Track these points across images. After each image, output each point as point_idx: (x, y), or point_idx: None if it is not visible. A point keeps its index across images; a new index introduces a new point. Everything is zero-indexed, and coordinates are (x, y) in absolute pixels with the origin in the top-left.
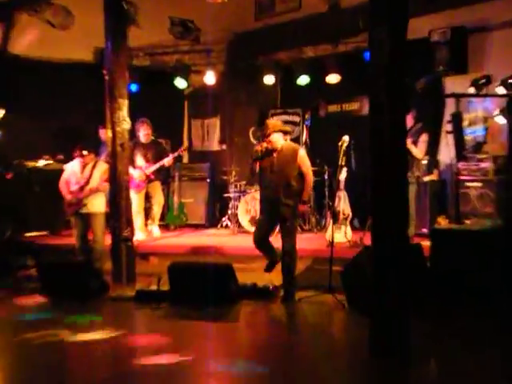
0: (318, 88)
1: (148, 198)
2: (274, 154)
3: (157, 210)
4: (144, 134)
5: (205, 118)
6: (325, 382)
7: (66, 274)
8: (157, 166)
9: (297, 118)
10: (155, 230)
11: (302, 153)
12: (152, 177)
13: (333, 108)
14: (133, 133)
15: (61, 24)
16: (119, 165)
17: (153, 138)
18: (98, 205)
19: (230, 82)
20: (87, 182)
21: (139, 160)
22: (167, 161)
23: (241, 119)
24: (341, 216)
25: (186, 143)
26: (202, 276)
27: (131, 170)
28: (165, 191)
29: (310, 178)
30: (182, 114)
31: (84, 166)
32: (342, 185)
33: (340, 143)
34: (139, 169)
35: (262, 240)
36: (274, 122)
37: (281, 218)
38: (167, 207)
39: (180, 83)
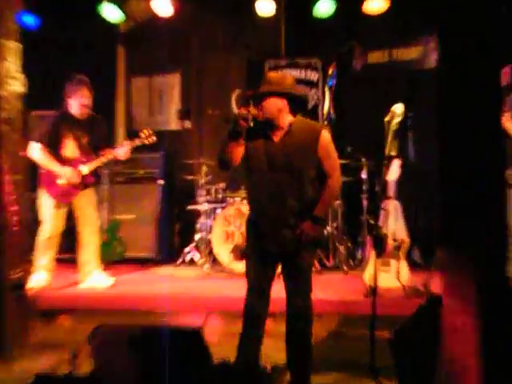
0: (350, 23)
1: (73, 215)
2: (275, 137)
3: (94, 238)
4: (81, 103)
5: (155, 75)
6: None
7: None
8: (102, 160)
9: (313, 75)
10: (98, 277)
11: (327, 137)
12: (91, 180)
13: (375, 57)
14: (50, 99)
15: None
16: (4, 156)
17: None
18: None
19: (200, 12)
20: None
21: (69, 148)
22: (121, 153)
23: (217, 77)
24: (390, 244)
25: (148, 130)
26: (148, 350)
27: (54, 166)
28: None
29: (337, 180)
30: (114, 67)
31: None
32: (391, 190)
33: (388, 118)
34: (69, 164)
35: (256, 300)
36: (281, 74)
37: (286, 252)
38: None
39: (110, 13)
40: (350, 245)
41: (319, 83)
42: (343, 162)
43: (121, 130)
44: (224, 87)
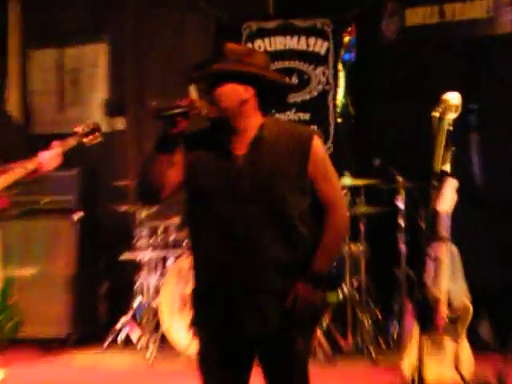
0: None
1: None
2: (237, 148)
3: None
4: None
5: (66, 47)
6: None
7: None
8: (17, 174)
9: (319, 45)
10: None
11: (321, 147)
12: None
13: (418, 16)
14: None
15: None
16: None
17: None
18: None
19: None
20: None
21: None
22: (47, 160)
23: (166, 50)
24: (444, 313)
25: (90, 124)
26: None
27: None
28: None
29: (343, 213)
30: (4, 34)
31: None
32: (444, 228)
33: (438, 112)
34: None
35: None
36: (248, 48)
37: (268, 336)
38: None
39: None
40: (379, 315)
41: (329, 58)
42: (368, 182)
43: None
44: (177, 66)
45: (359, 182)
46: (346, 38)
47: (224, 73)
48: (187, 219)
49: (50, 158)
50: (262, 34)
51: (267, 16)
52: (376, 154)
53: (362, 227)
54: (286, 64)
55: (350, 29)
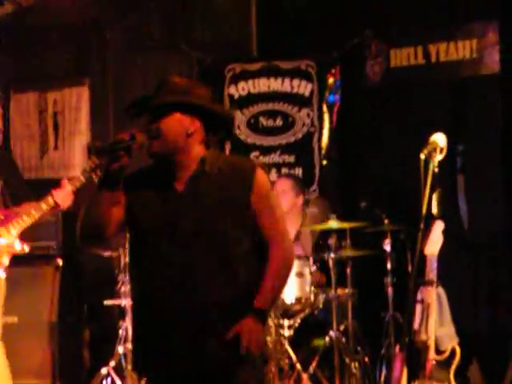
0: (362, 3)
1: None
2: (178, 183)
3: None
4: None
5: (47, 90)
6: None
7: None
8: (33, 216)
9: (304, 87)
10: None
11: (264, 179)
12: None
13: (403, 57)
14: None
15: None
16: None
17: None
18: None
19: None
20: None
21: None
22: (60, 199)
23: (148, 91)
24: (432, 358)
25: (95, 159)
26: None
27: None
28: None
29: (287, 246)
30: None
31: None
32: (432, 271)
33: (425, 154)
34: None
35: None
36: (191, 80)
37: (209, 373)
38: None
39: None
40: (366, 359)
41: (313, 99)
42: (354, 224)
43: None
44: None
45: (345, 225)
46: (331, 80)
47: (171, 104)
48: (129, 260)
49: (64, 196)
50: (246, 75)
51: (251, 58)
52: (362, 197)
53: (348, 271)
54: (270, 106)
55: (334, 70)
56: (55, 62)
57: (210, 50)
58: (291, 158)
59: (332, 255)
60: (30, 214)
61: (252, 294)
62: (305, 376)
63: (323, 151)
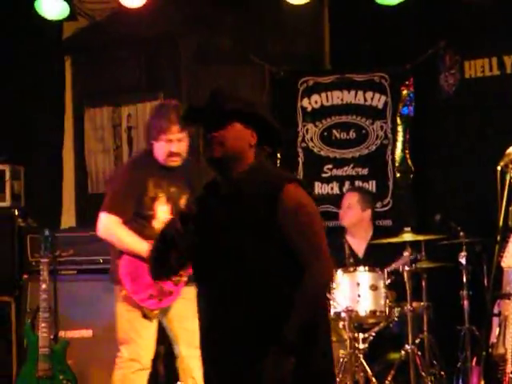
0: (436, 14)
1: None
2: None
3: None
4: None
5: (121, 104)
6: None
7: None
8: None
9: (377, 99)
10: None
11: (296, 196)
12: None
13: (478, 68)
14: None
15: None
16: None
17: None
18: None
19: (191, 3)
20: None
21: (161, 216)
22: None
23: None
24: (509, 370)
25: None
26: None
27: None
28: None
29: (320, 272)
30: (61, 92)
31: None
32: (509, 285)
33: (502, 165)
34: None
35: None
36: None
37: None
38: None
39: (50, 7)
40: (442, 373)
41: (387, 112)
42: (429, 237)
43: (68, 195)
44: None
45: (420, 238)
46: (404, 92)
47: (234, 111)
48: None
49: None
50: (319, 88)
51: (324, 70)
52: (437, 209)
53: (423, 284)
54: (344, 119)
55: (407, 82)
56: (128, 76)
57: (282, 63)
58: (364, 171)
59: (407, 268)
60: None
61: (278, 325)
62: None
63: (397, 164)
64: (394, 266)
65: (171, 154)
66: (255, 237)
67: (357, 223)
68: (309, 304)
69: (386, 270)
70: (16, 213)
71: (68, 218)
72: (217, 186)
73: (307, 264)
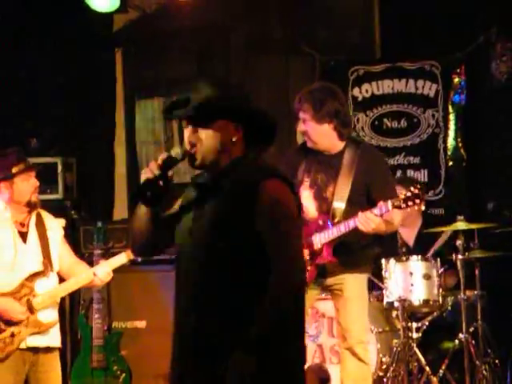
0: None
1: None
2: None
3: None
4: None
5: (174, 96)
6: None
7: None
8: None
9: (428, 87)
10: None
11: (273, 195)
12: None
13: None
14: None
15: None
16: None
17: None
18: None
19: None
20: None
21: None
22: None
23: (270, 94)
24: None
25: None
26: None
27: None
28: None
29: (283, 278)
30: (112, 85)
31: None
32: None
33: None
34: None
35: None
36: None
37: None
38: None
39: (100, 0)
40: (497, 362)
41: (438, 100)
42: (482, 226)
43: (120, 187)
44: (281, 111)
45: (473, 226)
46: (456, 80)
47: (215, 107)
48: None
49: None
50: (370, 77)
51: (374, 59)
52: (490, 197)
53: (476, 272)
54: (395, 107)
55: (459, 70)
56: (179, 67)
57: (332, 52)
58: (416, 160)
59: (460, 257)
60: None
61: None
62: (434, 379)
63: (449, 152)
64: (434, 247)
65: None
66: (223, 231)
67: (406, 214)
68: (272, 305)
69: (438, 259)
70: (68, 205)
71: (120, 210)
72: (202, 179)
73: (273, 264)
